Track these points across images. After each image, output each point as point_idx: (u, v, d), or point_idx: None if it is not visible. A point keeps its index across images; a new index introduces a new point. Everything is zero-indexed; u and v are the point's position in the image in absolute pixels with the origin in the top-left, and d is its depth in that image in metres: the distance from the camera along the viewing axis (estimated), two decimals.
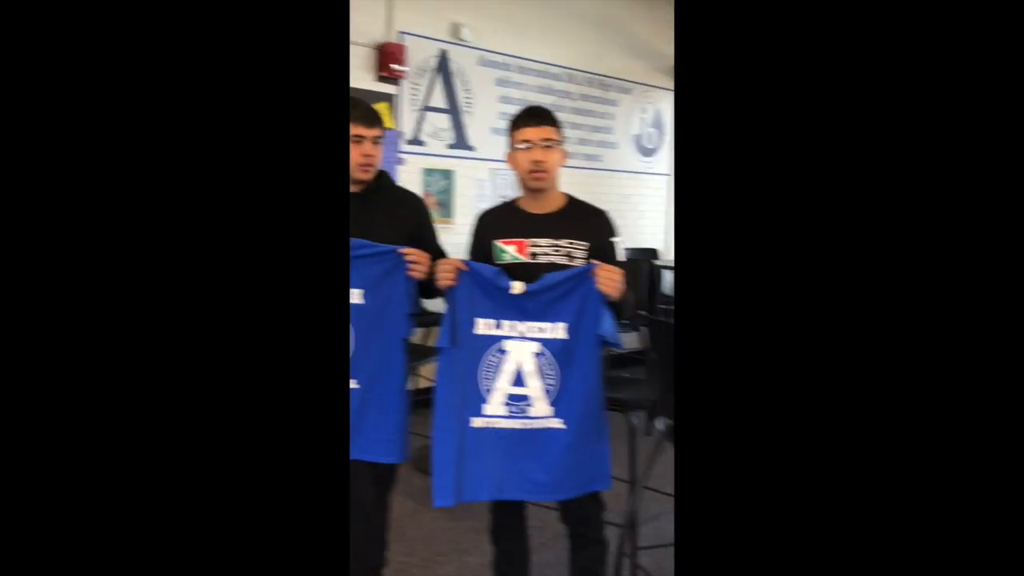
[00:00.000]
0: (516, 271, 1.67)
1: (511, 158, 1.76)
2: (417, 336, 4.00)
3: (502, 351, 1.65)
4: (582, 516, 1.77)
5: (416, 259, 1.65)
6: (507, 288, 1.63)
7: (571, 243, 1.71)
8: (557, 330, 1.64)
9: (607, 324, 1.60)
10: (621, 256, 1.75)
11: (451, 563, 2.39)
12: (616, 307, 1.64)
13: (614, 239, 1.76)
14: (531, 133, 1.69)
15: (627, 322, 3.79)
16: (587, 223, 1.76)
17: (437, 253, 1.76)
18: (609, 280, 1.58)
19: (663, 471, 2.86)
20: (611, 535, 2.10)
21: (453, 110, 4.24)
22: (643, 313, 2.06)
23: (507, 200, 1.87)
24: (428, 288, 1.70)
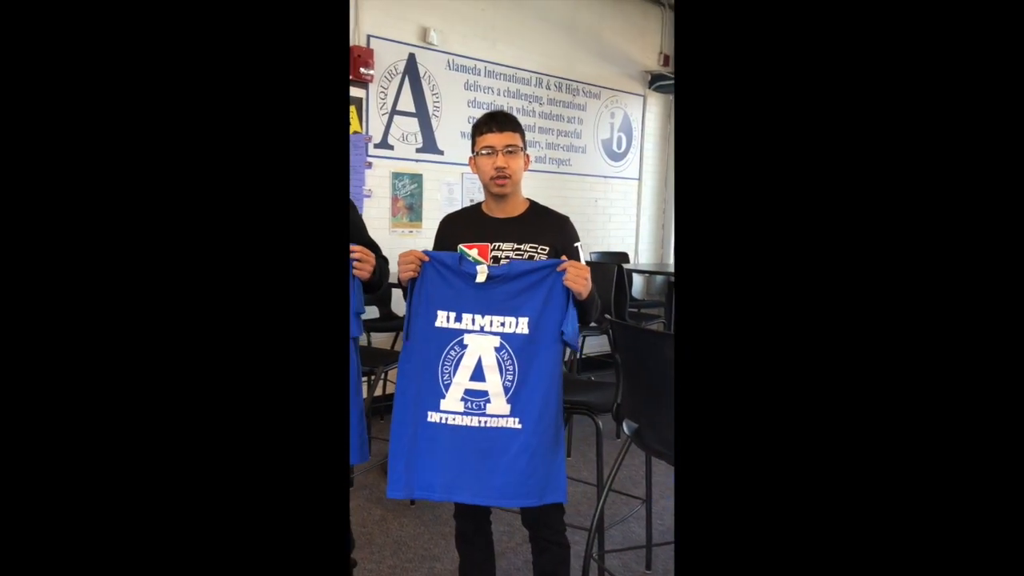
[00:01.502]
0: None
1: (474, 163, 1.76)
2: (383, 340, 3.98)
3: (463, 345, 1.64)
4: (542, 520, 1.77)
5: (360, 256, 1.64)
6: (472, 274, 1.62)
7: (533, 247, 1.72)
8: (519, 325, 1.62)
9: (570, 324, 1.60)
10: (585, 259, 1.76)
11: (419, 570, 2.37)
12: (582, 307, 1.64)
13: (576, 244, 1.77)
14: (494, 139, 1.70)
15: (595, 325, 3.80)
16: (550, 228, 1.77)
17: (373, 250, 1.76)
18: (578, 277, 1.58)
19: (630, 474, 2.89)
20: (579, 538, 2.10)
21: (421, 114, 4.23)
22: (609, 317, 2.07)
23: (471, 205, 1.87)
24: (370, 286, 1.70)
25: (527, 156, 1.77)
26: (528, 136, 4.78)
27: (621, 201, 5.64)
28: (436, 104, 4.29)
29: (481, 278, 1.62)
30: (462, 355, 1.64)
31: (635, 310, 4.78)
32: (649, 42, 5.59)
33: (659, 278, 5.68)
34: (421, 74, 4.19)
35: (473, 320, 1.63)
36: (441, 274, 1.64)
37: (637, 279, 5.55)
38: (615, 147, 5.49)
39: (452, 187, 4.38)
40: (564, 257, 1.66)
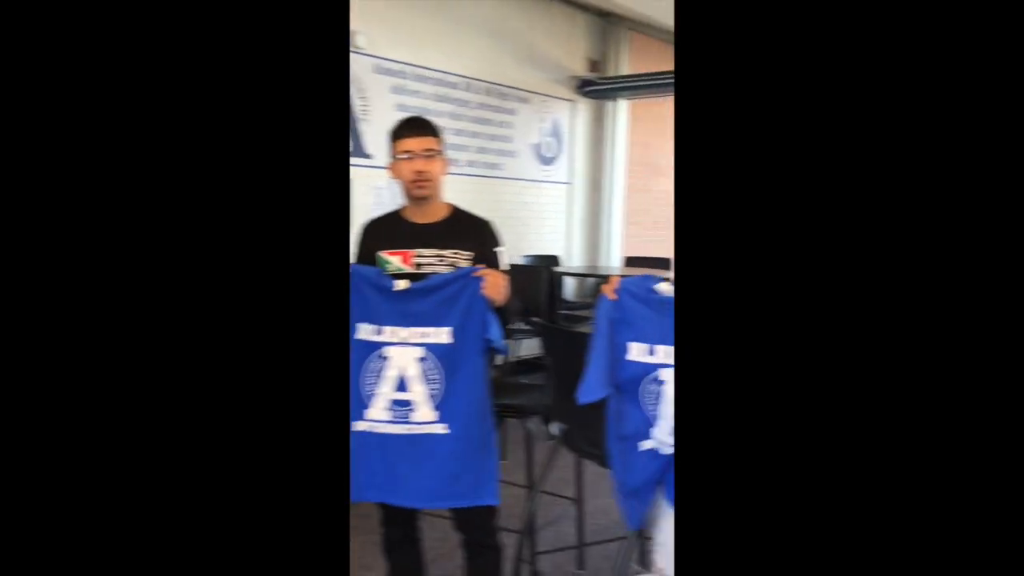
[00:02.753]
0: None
1: (393, 168, 1.75)
2: None
3: (383, 357, 1.64)
4: (474, 522, 1.77)
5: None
6: (391, 287, 1.63)
7: (456, 253, 1.72)
8: (441, 335, 1.63)
9: (493, 329, 1.61)
10: (505, 265, 1.77)
11: None
12: (500, 312, 1.65)
13: (499, 248, 1.77)
14: (412, 143, 1.70)
15: (528, 327, 3.80)
16: (472, 232, 1.76)
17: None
18: (493, 285, 1.59)
19: (560, 475, 2.90)
20: (512, 541, 2.11)
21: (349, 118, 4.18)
22: (536, 320, 2.09)
23: (391, 210, 1.86)
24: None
25: (446, 160, 1.76)
26: (458, 141, 4.80)
27: (553, 205, 5.69)
28: (364, 108, 4.24)
29: (401, 285, 1.63)
30: (384, 367, 1.65)
31: (567, 312, 4.83)
32: (576, 48, 5.66)
33: (591, 280, 5.75)
34: (349, 78, 4.14)
35: (395, 332, 1.64)
36: (359, 287, 1.63)
37: (569, 282, 5.61)
38: (545, 152, 5.53)
39: (380, 191, 4.34)
40: (482, 266, 1.66)
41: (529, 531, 2.20)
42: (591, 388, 1.52)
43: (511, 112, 5.19)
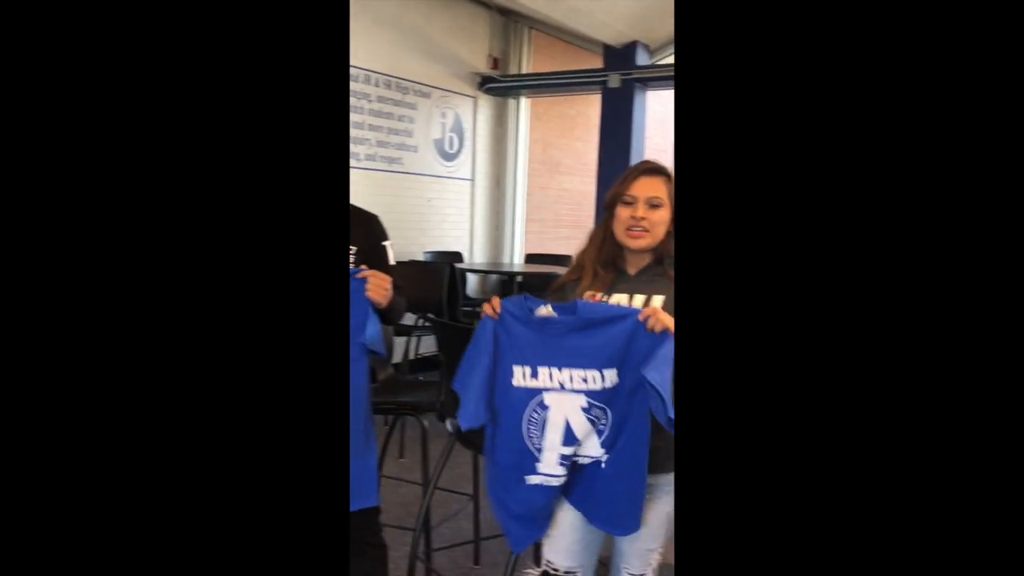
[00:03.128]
0: None
1: None
2: None
3: None
4: (355, 523, 1.74)
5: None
6: None
7: None
8: None
9: (370, 331, 1.56)
10: (392, 260, 1.75)
11: None
12: (384, 314, 1.62)
13: (386, 242, 1.75)
14: None
15: (427, 324, 3.77)
16: (357, 227, 1.72)
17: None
18: (377, 287, 1.56)
19: (457, 471, 2.91)
20: (406, 539, 2.09)
21: None
22: (432, 316, 2.08)
23: None
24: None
25: None
26: (357, 133, 4.71)
27: (456, 201, 5.67)
28: None
29: None
30: None
31: (468, 309, 4.83)
32: (478, 45, 5.67)
33: (493, 277, 5.77)
34: None
35: None
36: None
37: (472, 278, 5.61)
38: (447, 147, 5.51)
39: None
40: (364, 267, 1.63)
41: (425, 528, 2.20)
42: (471, 414, 1.38)
43: (412, 106, 5.14)
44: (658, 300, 1.45)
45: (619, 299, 1.48)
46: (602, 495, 1.42)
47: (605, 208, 1.56)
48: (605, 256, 1.54)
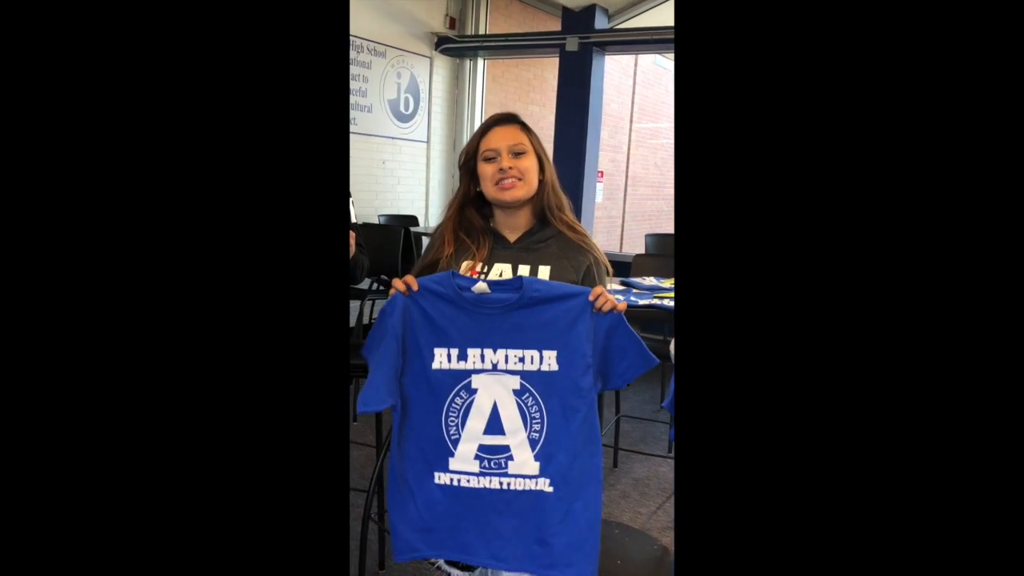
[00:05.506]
0: None
1: None
2: None
3: None
4: None
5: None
6: None
7: None
8: None
9: None
10: (354, 218, 1.73)
11: None
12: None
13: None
14: None
15: (381, 288, 3.76)
16: None
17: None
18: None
19: None
20: (361, 501, 2.10)
21: None
22: (386, 279, 2.06)
23: None
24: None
25: None
26: None
27: (410, 163, 5.60)
28: None
29: None
30: None
31: None
32: (435, 4, 5.55)
33: None
34: None
35: None
36: None
37: (427, 242, 5.57)
38: (403, 108, 5.42)
39: None
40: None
41: (378, 489, 2.21)
42: (374, 397, 1.23)
43: (366, 65, 5.03)
44: (544, 271, 1.35)
45: (501, 268, 1.37)
46: (551, 529, 1.26)
47: (460, 171, 1.45)
48: (468, 223, 1.43)
